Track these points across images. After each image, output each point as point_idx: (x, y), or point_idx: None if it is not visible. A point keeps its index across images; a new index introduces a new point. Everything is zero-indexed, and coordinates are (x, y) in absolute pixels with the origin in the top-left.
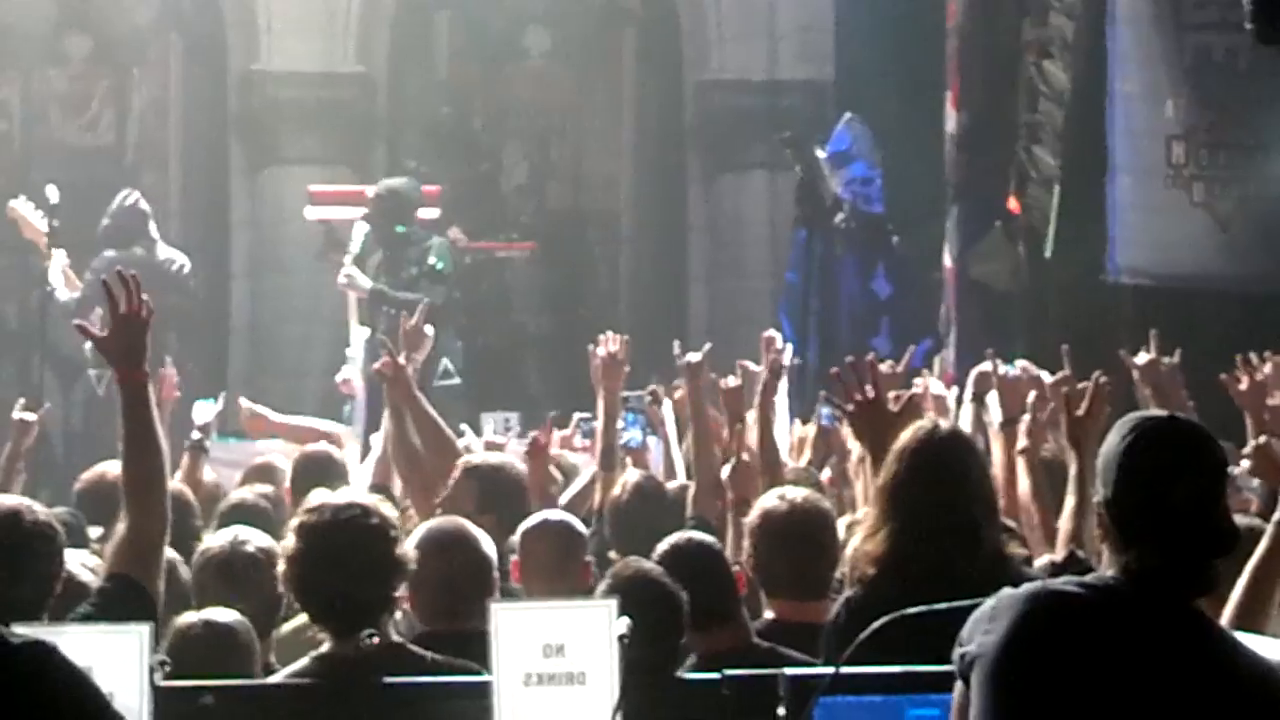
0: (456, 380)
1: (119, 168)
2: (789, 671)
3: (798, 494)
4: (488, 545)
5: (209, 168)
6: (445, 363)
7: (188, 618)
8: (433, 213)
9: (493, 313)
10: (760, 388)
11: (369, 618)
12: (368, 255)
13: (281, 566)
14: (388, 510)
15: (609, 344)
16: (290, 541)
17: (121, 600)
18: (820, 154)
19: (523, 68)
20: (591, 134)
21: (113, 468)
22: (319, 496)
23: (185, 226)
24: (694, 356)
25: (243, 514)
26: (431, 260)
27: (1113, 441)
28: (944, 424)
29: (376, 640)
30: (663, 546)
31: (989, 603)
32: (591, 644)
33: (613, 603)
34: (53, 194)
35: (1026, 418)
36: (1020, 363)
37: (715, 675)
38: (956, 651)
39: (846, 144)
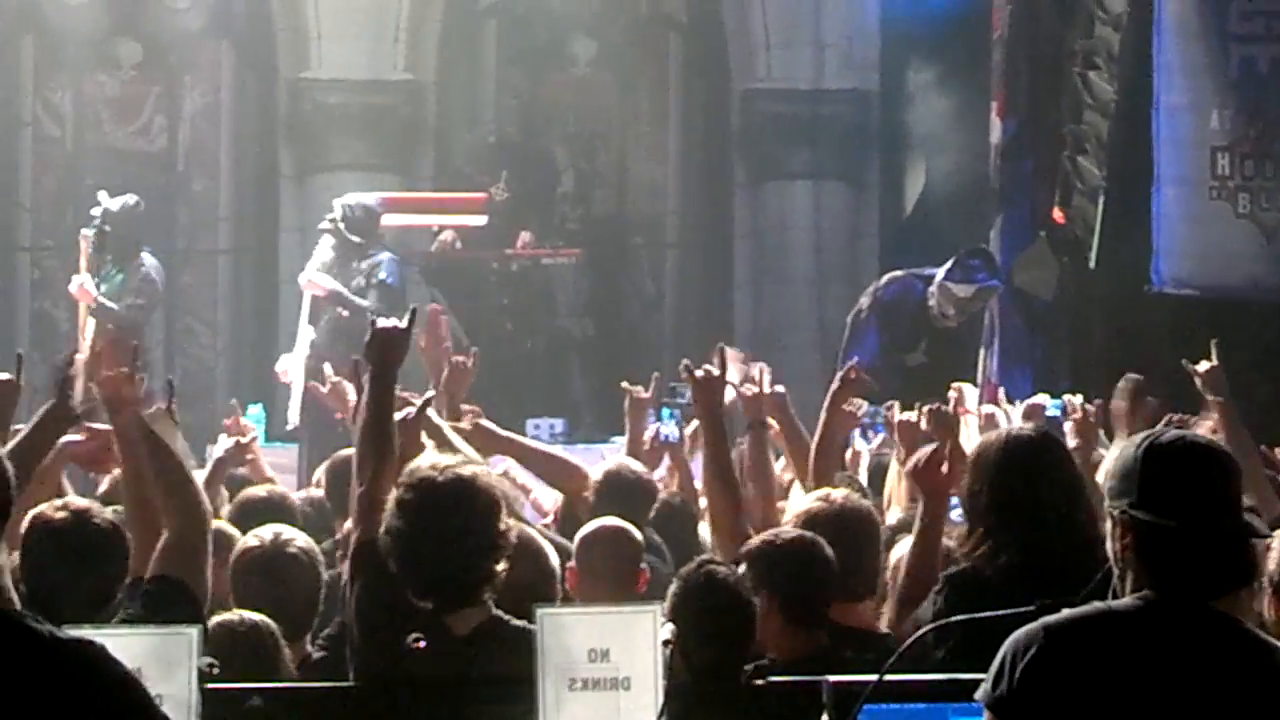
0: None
1: (170, 173)
2: (832, 679)
3: (840, 495)
4: (553, 557)
5: (259, 173)
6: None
7: (215, 619)
8: (479, 219)
9: (538, 319)
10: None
11: (474, 593)
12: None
13: (383, 535)
14: (490, 482)
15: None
16: (392, 516)
17: (167, 601)
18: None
19: (569, 75)
20: (637, 141)
21: None
22: (420, 467)
23: (235, 232)
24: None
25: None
26: (381, 275)
27: (1140, 459)
28: (1024, 428)
29: (422, 644)
30: (763, 540)
31: (1017, 636)
32: (637, 649)
33: (658, 607)
34: (104, 200)
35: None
36: (1066, 398)
37: (760, 681)
38: (986, 687)
39: (966, 295)
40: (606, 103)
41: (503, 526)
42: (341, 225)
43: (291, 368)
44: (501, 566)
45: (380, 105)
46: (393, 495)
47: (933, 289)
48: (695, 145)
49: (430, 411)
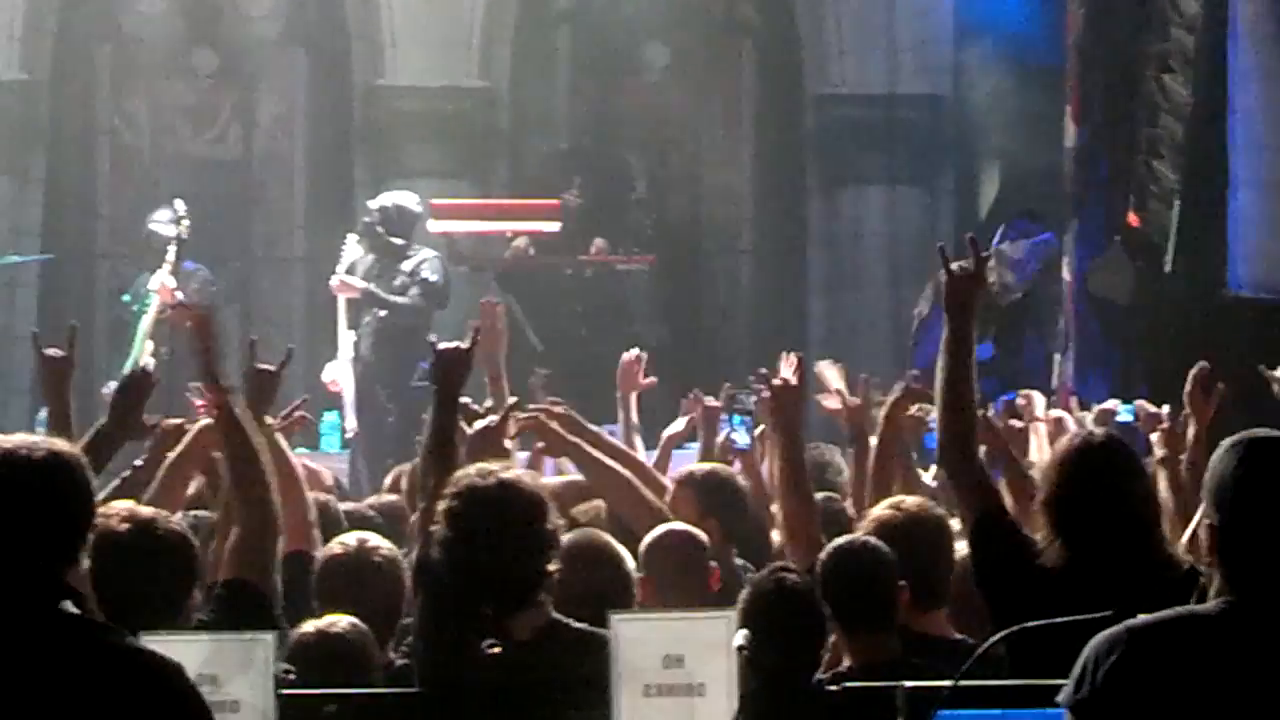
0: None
1: (246, 181)
2: (907, 684)
3: (913, 502)
4: (629, 562)
5: (333, 180)
6: (422, 365)
7: (307, 627)
8: (553, 226)
9: (612, 325)
10: (886, 411)
11: (527, 594)
12: (358, 265)
13: (434, 545)
14: (535, 484)
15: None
16: (440, 525)
17: (239, 605)
18: (1003, 245)
19: (643, 82)
20: (711, 147)
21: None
22: (464, 475)
23: (310, 239)
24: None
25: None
26: (424, 273)
27: (1226, 462)
28: (1100, 431)
29: (497, 650)
30: (832, 547)
31: (1100, 638)
32: (711, 655)
33: (731, 614)
34: (180, 207)
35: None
36: (1139, 403)
37: (835, 687)
38: (1068, 690)
39: (1021, 255)
40: (680, 109)
41: (550, 527)
42: (380, 228)
43: (339, 375)
44: (553, 567)
45: (454, 112)
46: (440, 505)
47: (990, 263)
48: (769, 151)
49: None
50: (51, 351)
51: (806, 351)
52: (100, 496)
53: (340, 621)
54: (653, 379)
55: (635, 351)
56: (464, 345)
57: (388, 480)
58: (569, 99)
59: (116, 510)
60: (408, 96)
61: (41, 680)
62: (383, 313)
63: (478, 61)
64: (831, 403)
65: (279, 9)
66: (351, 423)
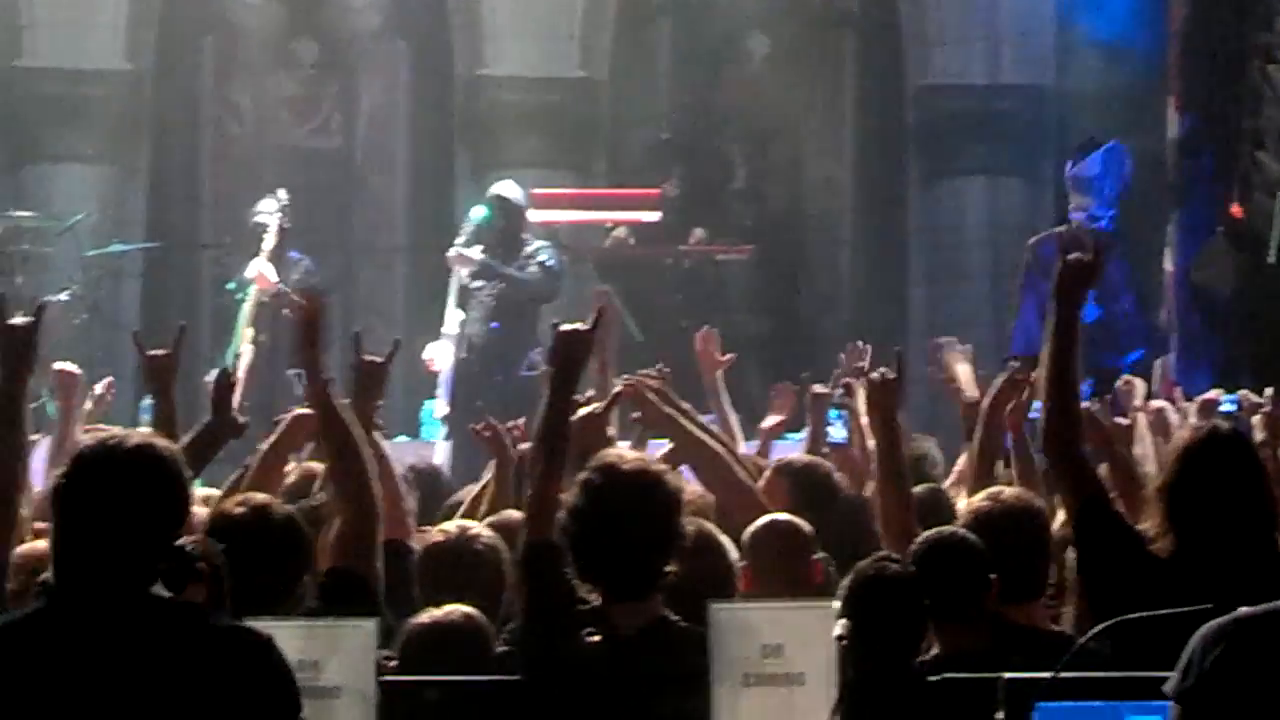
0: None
1: (347, 171)
2: (1007, 675)
3: (1010, 493)
4: (732, 553)
5: (435, 170)
6: (533, 355)
7: (424, 615)
8: (653, 216)
9: (711, 316)
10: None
11: (644, 587)
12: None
13: (562, 516)
14: (674, 479)
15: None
16: (573, 498)
17: (343, 594)
18: (1072, 171)
19: (743, 72)
20: (811, 137)
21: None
22: (607, 454)
23: (412, 228)
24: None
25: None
26: (542, 258)
27: None
28: (1225, 424)
29: (598, 639)
30: (921, 539)
31: (1208, 628)
32: (810, 645)
33: (832, 603)
34: (283, 196)
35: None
36: (1242, 393)
37: (935, 677)
38: (1175, 679)
39: (1093, 174)
40: (780, 99)
41: (680, 526)
42: (502, 218)
43: (439, 356)
44: (673, 566)
45: (555, 103)
46: (579, 478)
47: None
48: (870, 142)
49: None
50: (155, 350)
51: (906, 343)
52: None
53: (458, 609)
54: (731, 356)
55: (707, 328)
56: (586, 327)
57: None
58: (669, 89)
59: (235, 497)
60: (509, 87)
61: (133, 661)
62: (492, 292)
63: (579, 52)
64: (970, 390)
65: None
66: (444, 405)
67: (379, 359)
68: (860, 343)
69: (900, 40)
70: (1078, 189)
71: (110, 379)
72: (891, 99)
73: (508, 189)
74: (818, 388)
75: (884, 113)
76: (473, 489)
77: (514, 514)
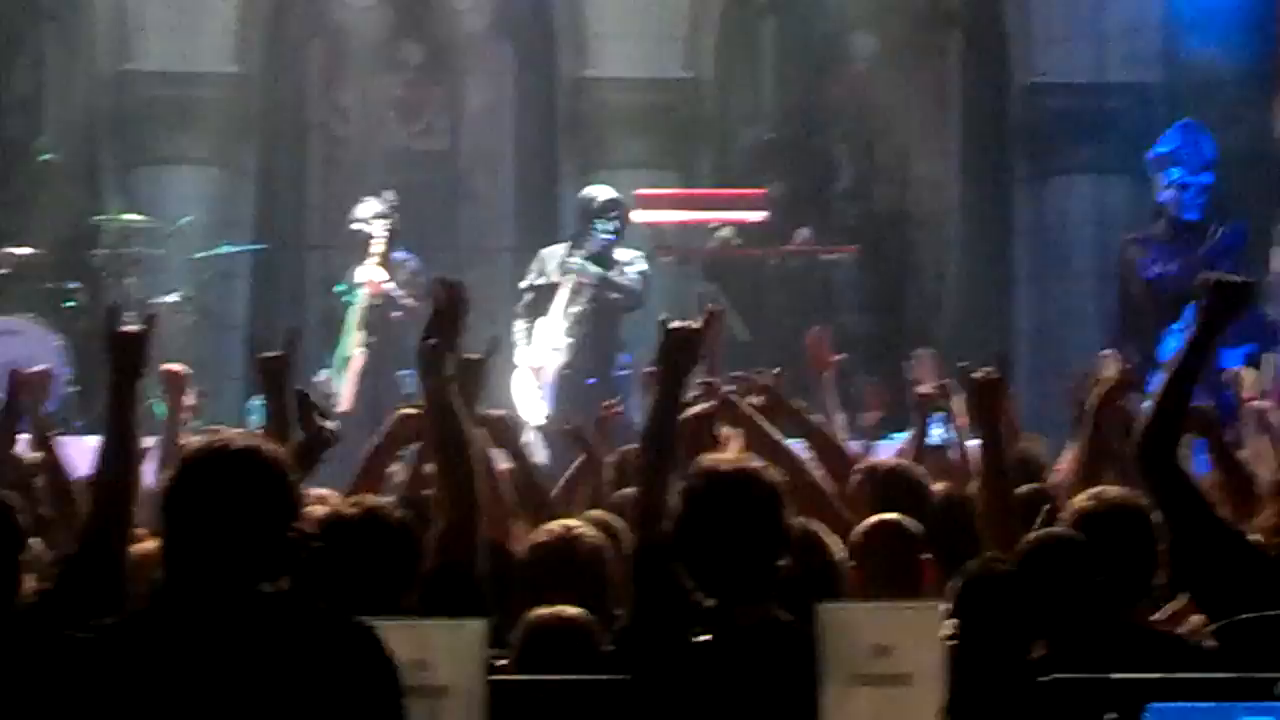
0: (629, 371)
1: (453, 172)
2: (1119, 676)
3: (1115, 492)
4: (839, 550)
5: (539, 171)
6: (622, 357)
7: (536, 613)
8: (759, 216)
9: (817, 315)
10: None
11: (755, 587)
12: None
13: (667, 523)
14: (774, 477)
15: None
16: (676, 505)
17: (449, 593)
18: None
19: (849, 71)
20: (916, 137)
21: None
22: (706, 458)
23: (518, 229)
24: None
25: None
26: (641, 266)
27: None
28: None
29: (708, 639)
30: (1029, 539)
31: None
32: (919, 645)
33: (940, 604)
34: (390, 198)
35: None
36: None
37: (1045, 678)
38: None
39: (1172, 147)
40: (886, 99)
41: (784, 520)
42: (615, 220)
43: (546, 363)
44: (783, 562)
45: (660, 103)
46: (680, 485)
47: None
48: (975, 141)
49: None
50: (268, 353)
51: (1013, 342)
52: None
53: (566, 609)
54: (841, 355)
55: (818, 327)
56: (696, 326)
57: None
58: (774, 89)
59: (347, 497)
60: (614, 88)
61: (241, 656)
62: (592, 299)
63: (684, 52)
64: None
65: (485, 1)
66: (544, 410)
67: (479, 356)
68: (924, 350)
69: (1005, 39)
70: (1159, 167)
71: (200, 391)
72: (996, 98)
73: (614, 194)
74: (924, 388)
75: (989, 111)
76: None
77: (598, 513)
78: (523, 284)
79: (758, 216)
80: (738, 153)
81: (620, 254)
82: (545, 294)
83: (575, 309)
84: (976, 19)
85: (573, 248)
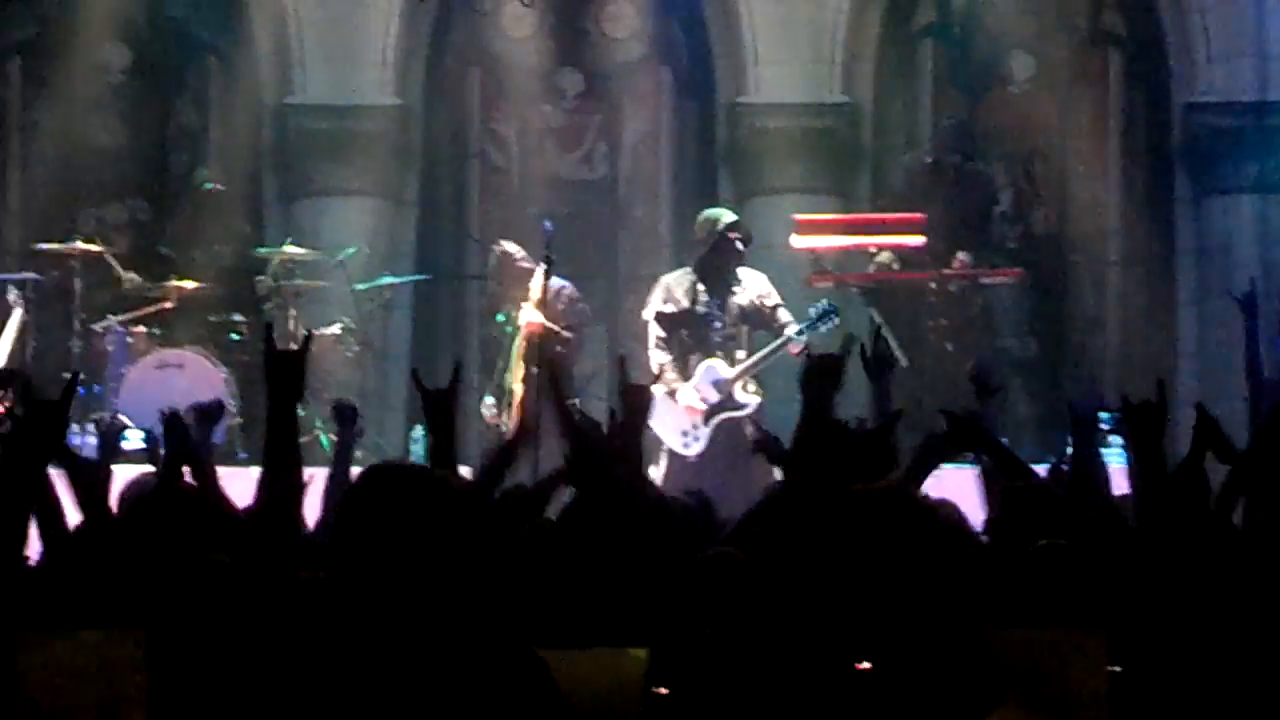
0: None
1: (611, 200)
2: None
3: None
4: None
5: (697, 198)
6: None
7: None
8: (917, 240)
9: (978, 339)
10: None
11: None
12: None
13: None
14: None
15: None
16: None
17: None
18: None
19: (1006, 93)
20: (1076, 158)
21: None
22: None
23: (676, 256)
24: None
25: None
26: (761, 288)
27: None
28: None
29: None
30: None
31: None
32: (1083, 671)
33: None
34: (549, 227)
35: None
36: None
37: None
38: None
39: None
40: (1045, 120)
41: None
42: (739, 244)
43: (691, 399)
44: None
45: (817, 128)
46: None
47: None
48: (1136, 161)
49: None
50: (435, 387)
51: (1176, 365)
52: None
53: None
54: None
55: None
56: (836, 353)
57: None
58: (932, 112)
59: None
60: (771, 113)
61: (414, 678)
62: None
63: (840, 77)
64: None
65: (643, 30)
66: (697, 449)
67: (645, 384)
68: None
69: (1166, 57)
70: None
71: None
72: (1157, 117)
73: (736, 215)
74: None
75: (1150, 131)
76: None
77: None
78: (648, 313)
79: (916, 241)
80: (896, 177)
81: (743, 274)
82: (677, 322)
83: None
84: (1137, 38)
85: (696, 272)
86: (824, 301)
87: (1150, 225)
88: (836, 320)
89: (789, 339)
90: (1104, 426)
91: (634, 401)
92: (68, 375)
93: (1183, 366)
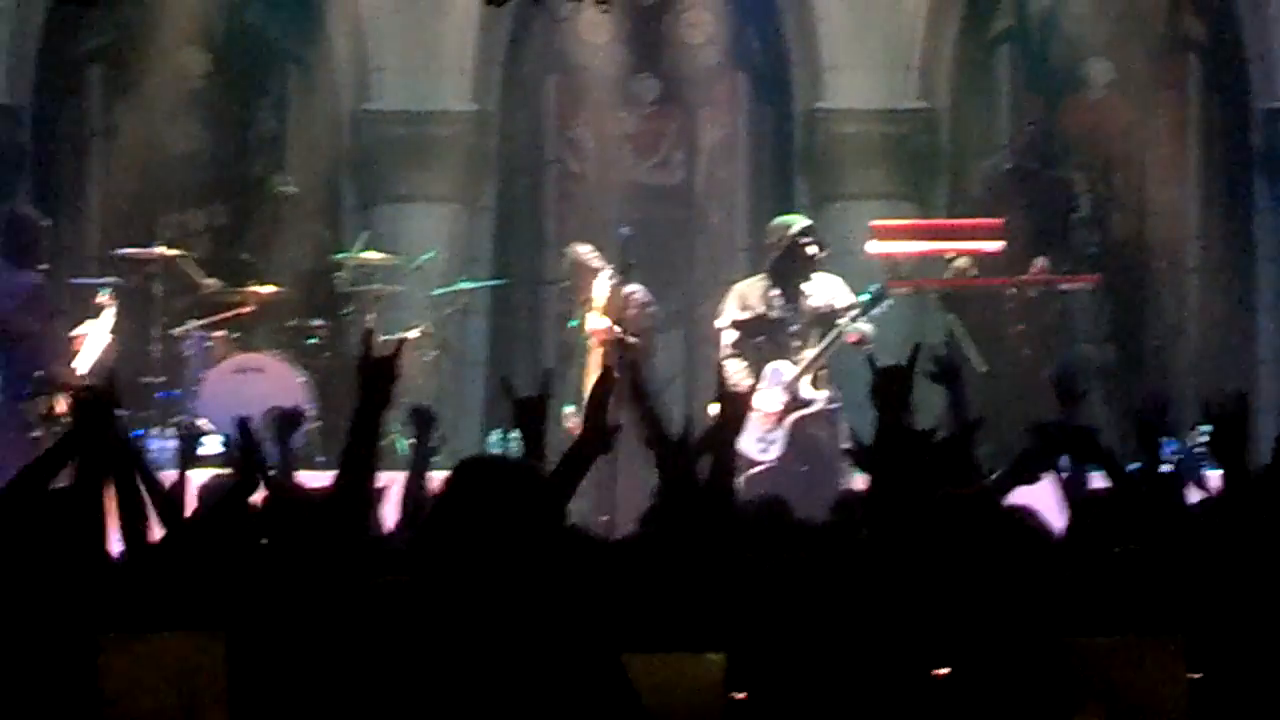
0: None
1: (688, 206)
2: None
3: None
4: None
5: (774, 204)
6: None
7: None
8: (995, 246)
9: (1056, 345)
10: None
11: None
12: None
13: None
14: None
15: None
16: None
17: None
18: None
19: (1085, 99)
20: (1155, 163)
21: None
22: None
23: (752, 262)
24: None
25: None
26: (835, 291)
27: None
28: None
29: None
30: None
31: None
32: (1162, 680)
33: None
34: (626, 233)
35: None
36: None
37: None
38: None
39: None
40: (1124, 125)
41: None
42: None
43: (769, 404)
44: None
45: (894, 134)
46: None
47: None
48: (1216, 166)
49: None
50: (525, 395)
51: (1254, 371)
52: None
53: None
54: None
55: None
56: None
57: None
58: (1010, 118)
59: None
60: (848, 119)
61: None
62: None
63: (917, 83)
64: None
65: (719, 36)
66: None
67: (743, 391)
68: None
69: (1246, 63)
70: None
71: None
72: (1237, 122)
73: (808, 220)
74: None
75: (1229, 137)
76: None
77: None
78: (721, 321)
79: (994, 246)
80: (974, 182)
81: (817, 279)
82: (754, 328)
83: (823, 358)
84: (1215, 43)
85: (769, 278)
86: (874, 286)
87: (1229, 231)
88: (889, 302)
89: (841, 330)
90: (1202, 438)
91: (733, 408)
92: (147, 380)
93: (1262, 373)
